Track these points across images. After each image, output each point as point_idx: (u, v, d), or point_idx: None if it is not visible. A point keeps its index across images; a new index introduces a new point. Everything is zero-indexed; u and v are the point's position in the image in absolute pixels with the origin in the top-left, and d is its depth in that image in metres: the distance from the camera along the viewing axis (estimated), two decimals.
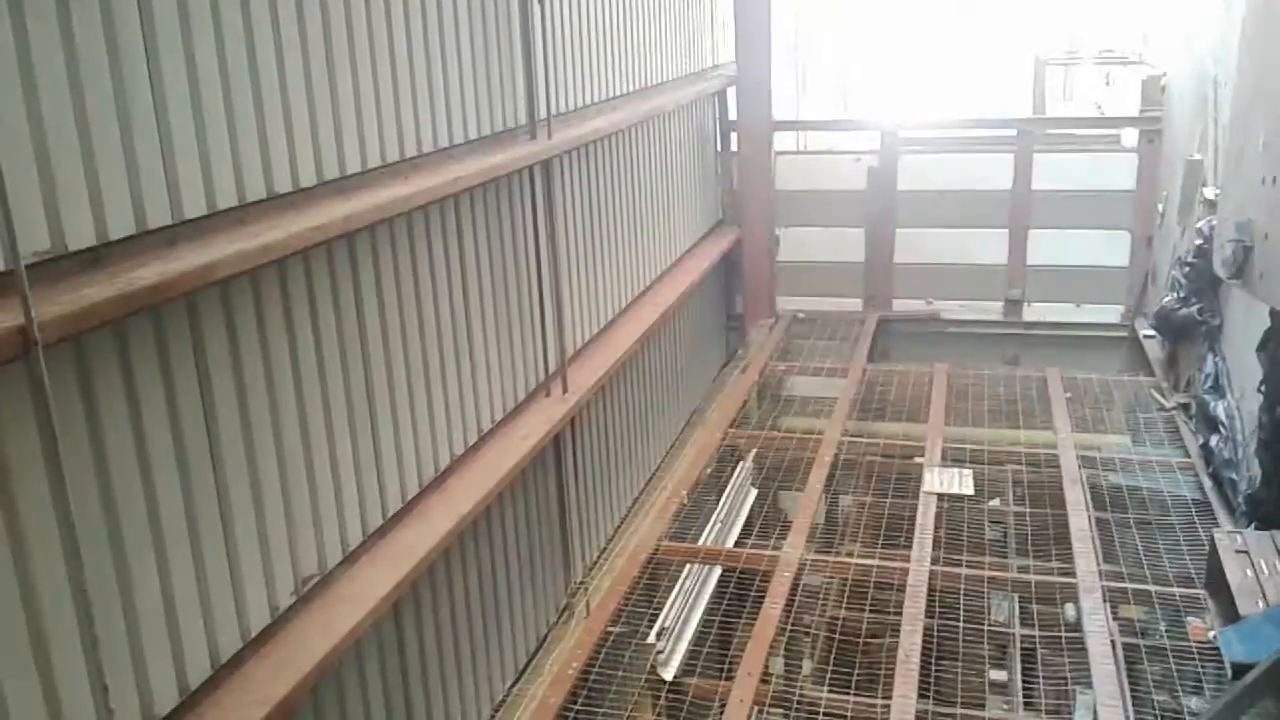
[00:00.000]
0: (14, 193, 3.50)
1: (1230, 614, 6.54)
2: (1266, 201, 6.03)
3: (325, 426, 5.56)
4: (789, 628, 7.42)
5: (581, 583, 8.89)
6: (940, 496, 8.75)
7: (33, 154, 3.73)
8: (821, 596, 8.03)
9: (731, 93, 13.71)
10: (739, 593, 7.94)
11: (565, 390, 8.38)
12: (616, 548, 9.39)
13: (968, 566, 7.85)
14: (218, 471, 4.76)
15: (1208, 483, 8.50)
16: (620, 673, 6.98)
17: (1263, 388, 7.26)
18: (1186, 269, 9.67)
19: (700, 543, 8.55)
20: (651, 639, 7.27)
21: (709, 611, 8.14)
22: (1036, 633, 7.33)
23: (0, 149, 3.46)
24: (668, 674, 7.19)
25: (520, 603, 7.99)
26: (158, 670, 4.40)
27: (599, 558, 9.43)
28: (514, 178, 7.65)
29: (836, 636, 7.45)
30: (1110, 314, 12.98)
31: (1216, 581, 6.90)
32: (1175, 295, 10.02)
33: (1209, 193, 9.16)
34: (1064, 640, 7.08)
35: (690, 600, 8.03)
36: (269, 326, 5.09)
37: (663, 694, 7.03)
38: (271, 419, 5.12)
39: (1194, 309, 9.49)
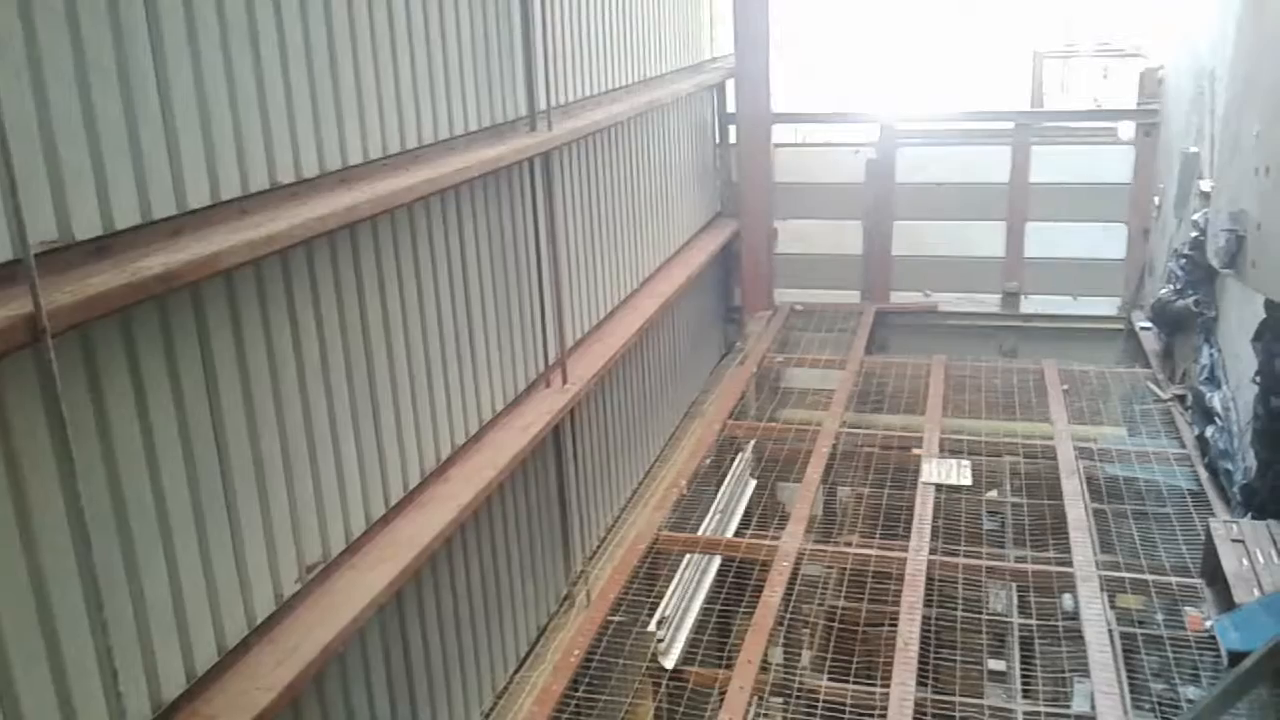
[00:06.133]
0: (22, 182, 3.53)
1: (1226, 603, 6.59)
2: (1259, 191, 6.08)
3: (328, 415, 5.60)
4: (788, 617, 7.46)
5: (582, 572, 8.94)
6: (938, 487, 8.79)
7: (40, 144, 3.76)
8: (820, 586, 8.07)
9: (730, 85, 13.73)
10: (738, 582, 7.99)
11: (565, 381, 8.42)
12: (616, 537, 9.45)
13: (966, 557, 7.89)
14: (223, 460, 4.80)
15: (1203, 473, 8.54)
16: (621, 661, 7.02)
17: (1258, 378, 7.30)
18: (1183, 261, 9.71)
19: (700, 533, 8.60)
20: (652, 628, 7.32)
21: (709, 601, 8.19)
22: (1034, 622, 7.38)
23: (9, 139, 3.48)
24: (668, 662, 7.24)
25: (521, 591, 8.04)
26: (165, 656, 4.45)
27: (599, 547, 9.48)
28: (514, 169, 7.69)
29: (835, 625, 7.49)
30: (1107, 306, 13.03)
31: (1212, 571, 6.96)
32: (1172, 287, 10.06)
33: (1205, 185, 9.20)
34: (1061, 630, 7.14)
35: (690, 590, 8.08)
36: (272, 316, 5.13)
37: (663, 682, 7.08)
38: (275, 408, 5.16)
39: (1190, 301, 9.53)
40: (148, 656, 4.36)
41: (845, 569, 7.80)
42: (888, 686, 6.42)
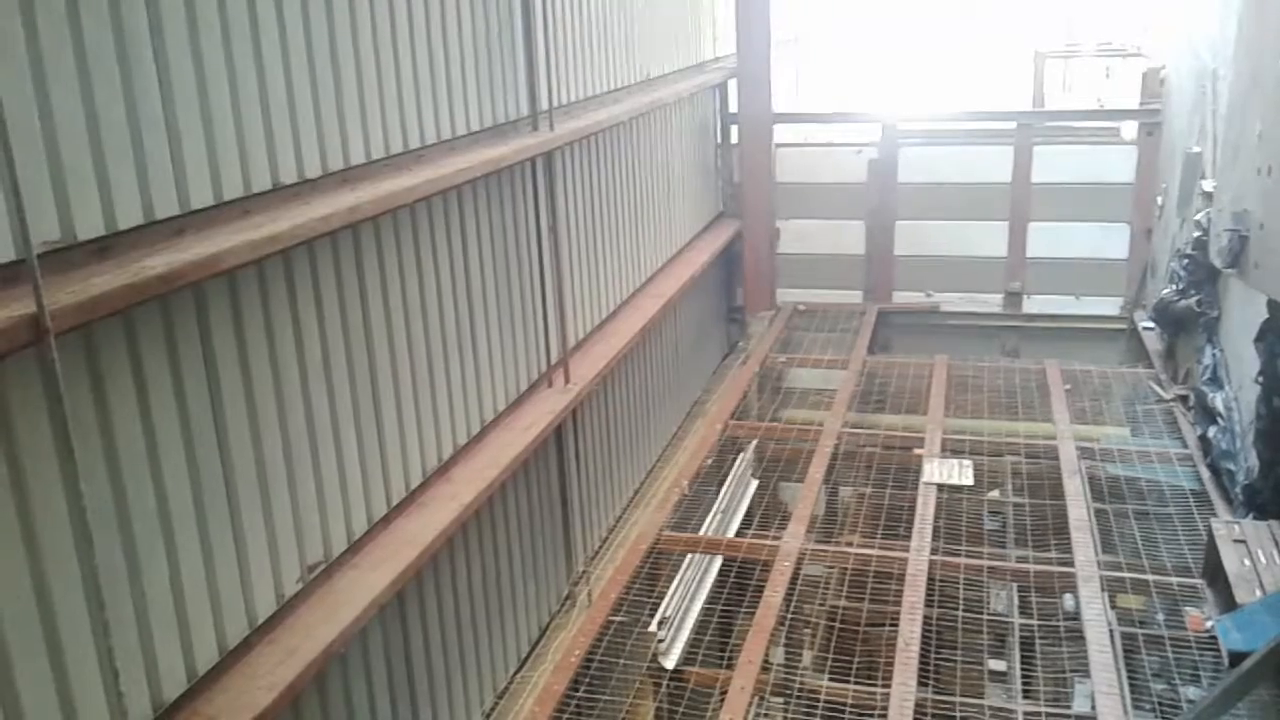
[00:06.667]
0: (25, 183, 3.53)
1: (1227, 603, 6.59)
2: (1262, 191, 6.08)
3: (330, 415, 5.61)
4: (789, 617, 7.47)
5: (583, 572, 8.95)
6: (940, 487, 8.80)
7: (43, 145, 3.77)
8: (822, 586, 8.08)
9: (732, 85, 13.74)
10: (739, 582, 8.01)
11: (567, 381, 8.42)
12: (618, 538, 9.46)
13: (967, 556, 7.90)
14: (225, 460, 4.81)
15: (1205, 473, 8.54)
16: (622, 661, 7.03)
17: (1260, 379, 7.30)
18: (1185, 261, 9.71)
19: (701, 533, 8.61)
20: (653, 628, 7.33)
21: (710, 601, 8.20)
22: (1035, 622, 7.38)
23: (12, 140, 3.48)
24: (669, 662, 7.25)
25: (523, 591, 8.04)
26: (166, 656, 4.45)
27: (601, 547, 9.49)
28: (516, 169, 7.69)
29: (836, 625, 7.50)
30: (1109, 306, 13.04)
31: (1214, 571, 6.96)
32: (1174, 287, 10.06)
33: (1208, 185, 9.20)
34: (1062, 630, 7.14)
35: (691, 590, 8.09)
36: (275, 317, 5.13)
37: (664, 682, 7.09)
38: (277, 407, 5.17)
39: (1193, 301, 9.54)
40: (149, 656, 4.36)
41: (846, 569, 7.81)
42: (888, 686, 6.43)
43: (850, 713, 6.38)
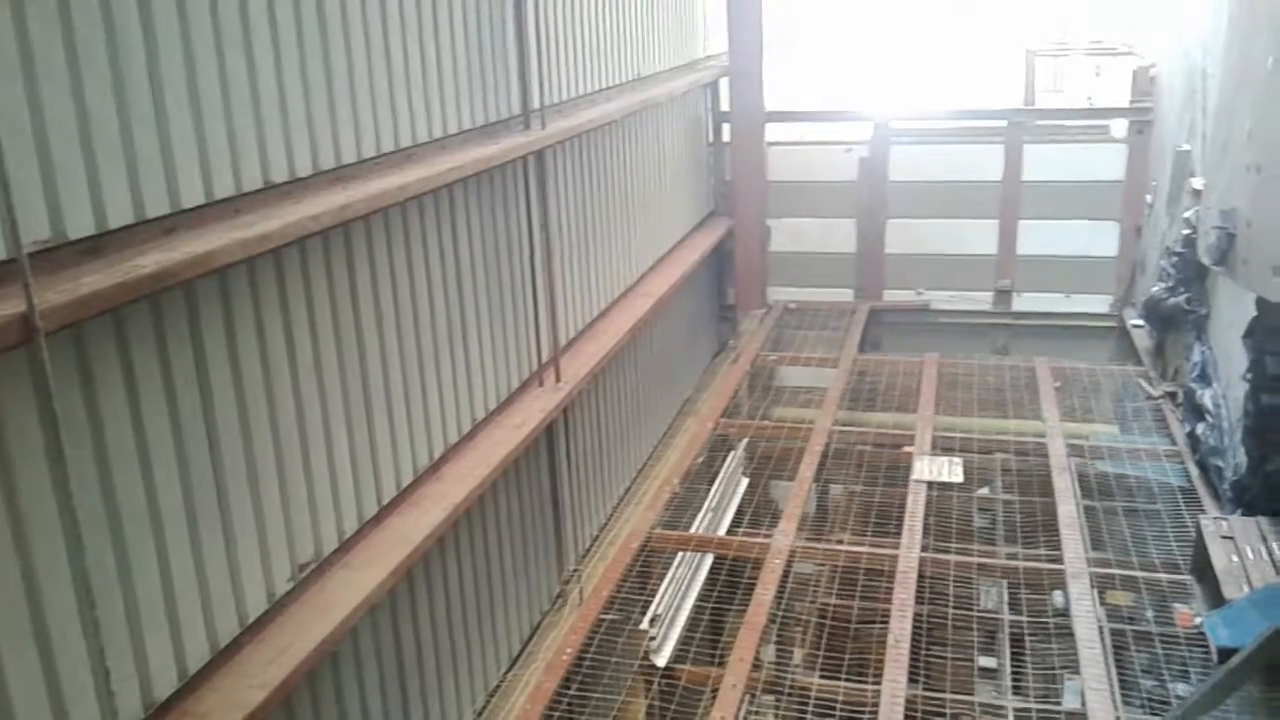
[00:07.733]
0: (15, 182, 3.54)
1: (1216, 599, 6.62)
2: (1250, 189, 6.11)
3: (321, 414, 5.60)
4: (780, 615, 7.48)
5: (575, 570, 8.96)
6: (930, 485, 8.82)
7: (33, 144, 3.77)
8: (812, 584, 8.09)
9: (724, 84, 13.75)
10: (731, 580, 8.01)
11: (558, 380, 8.43)
12: (609, 536, 9.47)
13: (957, 554, 7.92)
14: (215, 459, 4.80)
15: (1194, 470, 8.57)
16: (613, 659, 7.04)
17: (1248, 376, 7.33)
18: (1174, 259, 9.75)
19: (692, 531, 8.61)
20: (644, 626, 7.34)
21: (701, 599, 8.20)
22: (1025, 619, 7.41)
23: (2, 138, 3.48)
24: (660, 660, 7.25)
25: (514, 590, 8.05)
26: (157, 654, 4.45)
27: (592, 546, 9.50)
28: (508, 168, 7.69)
29: (827, 623, 7.52)
30: (1099, 304, 13.09)
31: (1202, 567, 6.99)
32: (1163, 285, 10.10)
33: (1197, 183, 9.23)
34: (1052, 626, 7.17)
35: (682, 588, 8.09)
36: (265, 315, 5.13)
37: (655, 680, 7.10)
38: (268, 407, 5.17)
39: (1182, 298, 9.57)
40: (139, 655, 4.36)
41: (837, 567, 7.82)
42: (879, 683, 6.44)
43: (841, 710, 6.39)
